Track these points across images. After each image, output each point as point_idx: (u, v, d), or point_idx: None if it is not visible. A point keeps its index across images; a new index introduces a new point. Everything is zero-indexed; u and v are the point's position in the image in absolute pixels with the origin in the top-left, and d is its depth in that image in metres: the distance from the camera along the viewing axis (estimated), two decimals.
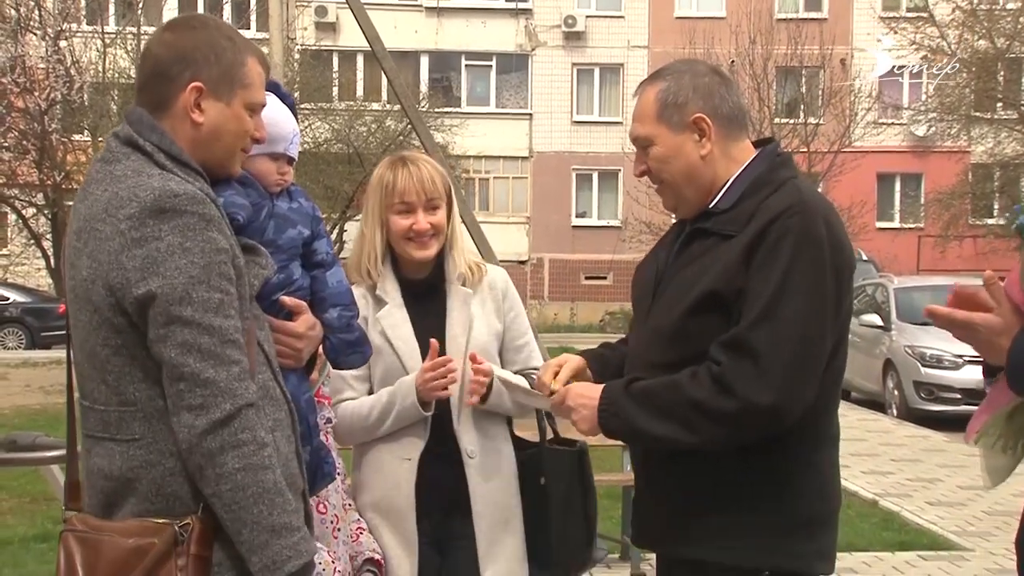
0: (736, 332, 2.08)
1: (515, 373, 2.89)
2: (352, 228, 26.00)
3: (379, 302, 2.85)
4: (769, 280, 2.08)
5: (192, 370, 1.82)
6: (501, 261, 3.50)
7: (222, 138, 2.02)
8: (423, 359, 2.78)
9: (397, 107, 20.26)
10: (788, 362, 2.05)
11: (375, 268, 2.86)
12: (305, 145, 23.79)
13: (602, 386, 2.27)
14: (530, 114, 29.43)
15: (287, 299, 2.32)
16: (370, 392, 2.85)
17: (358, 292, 2.82)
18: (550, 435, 2.96)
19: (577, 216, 29.70)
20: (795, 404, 2.06)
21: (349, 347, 2.49)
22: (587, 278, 28.78)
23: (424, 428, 2.78)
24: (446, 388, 2.73)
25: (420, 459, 2.76)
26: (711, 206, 2.25)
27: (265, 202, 2.36)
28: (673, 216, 2.44)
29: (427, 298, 2.86)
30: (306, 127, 23.85)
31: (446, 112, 25.99)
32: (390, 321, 2.81)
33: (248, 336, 1.94)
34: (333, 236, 24.18)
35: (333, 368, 2.63)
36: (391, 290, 2.85)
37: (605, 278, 28.69)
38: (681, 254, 2.28)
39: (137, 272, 1.84)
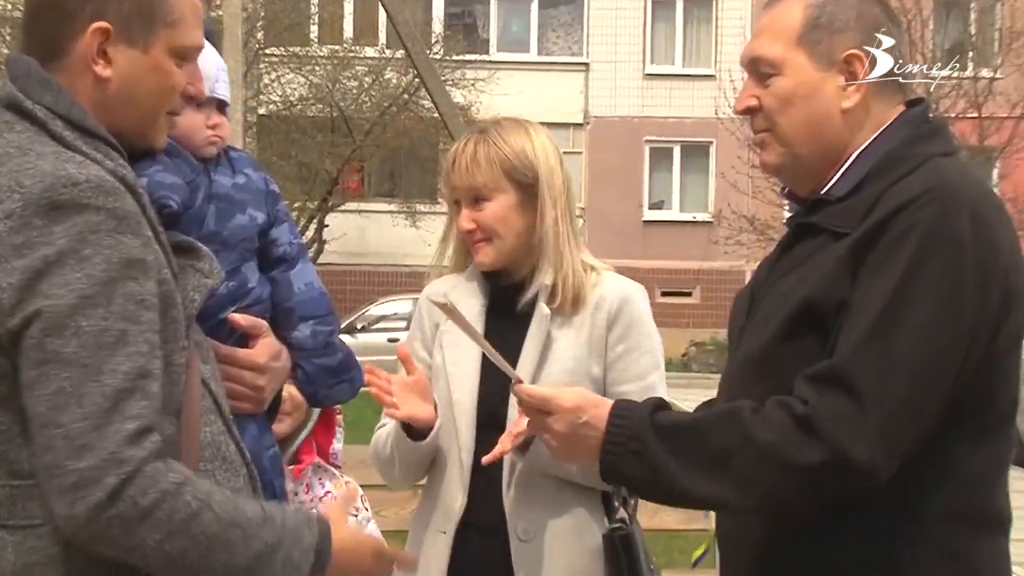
0: (832, 362, 2.09)
1: None
2: (336, 222, 26.18)
3: None
4: (881, 289, 2.07)
5: (66, 433, 1.79)
6: None
7: (137, 99, 2.01)
8: (480, 393, 2.87)
9: (400, 53, 20.31)
10: (896, 404, 2.05)
11: (453, 265, 3.04)
12: (271, 106, 24.01)
13: (610, 404, 2.26)
14: (586, 64, 29.24)
15: (240, 317, 2.32)
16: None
17: (443, 286, 2.97)
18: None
19: (651, 207, 29.25)
20: (893, 460, 2.06)
21: (331, 375, 2.49)
22: (665, 294, 28.46)
23: (461, 488, 2.86)
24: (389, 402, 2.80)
25: (459, 533, 2.84)
26: (824, 191, 2.26)
27: (200, 178, 2.35)
28: (787, 208, 2.42)
29: (518, 316, 2.94)
30: (273, 80, 24.04)
31: (468, 61, 26.02)
32: (454, 337, 2.89)
33: (188, 374, 1.95)
34: (310, 234, 24.37)
35: (311, 406, 2.62)
36: (469, 296, 2.98)
37: (690, 294, 28.45)
38: (782, 260, 2.30)
39: (15, 292, 1.82)
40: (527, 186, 2.92)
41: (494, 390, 2.86)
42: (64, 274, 1.81)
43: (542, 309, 2.92)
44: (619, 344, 2.89)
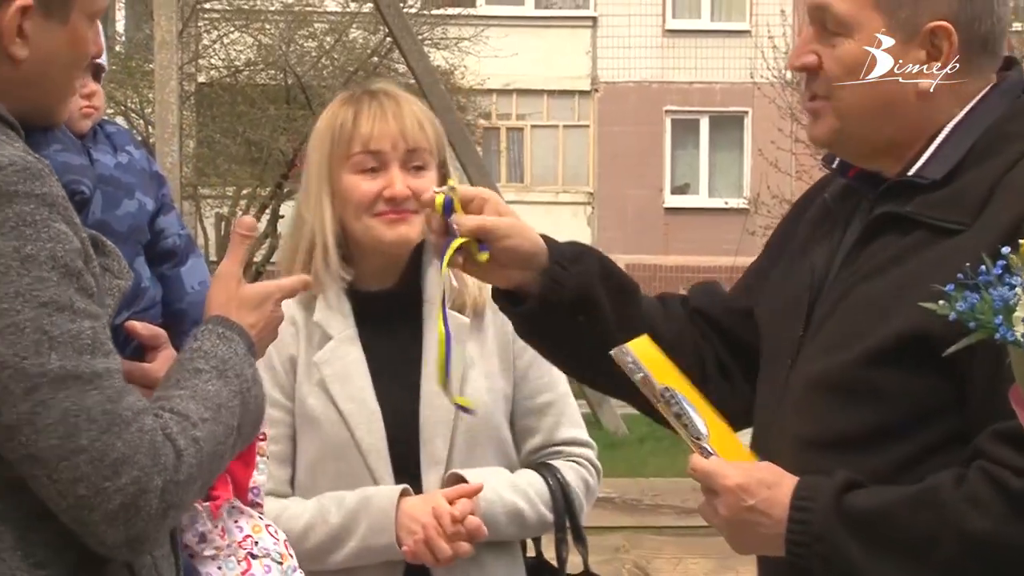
0: None
1: (535, 451, 3.00)
2: (292, 212, 26.01)
3: (316, 334, 2.94)
4: None
5: (95, 454, 1.85)
6: None
7: (51, 75, 2.06)
8: (386, 430, 2.89)
9: (368, 7, 20.30)
10: None
11: (327, 269, 2.91)
12: (213, 72, 23.91)
13: (788, 485, 2.16)
14: (594, 18, 29.29)
15: (138, 325, 2.37)
16: (292, 480, 2.96)
17: (294, 312, 2.94)
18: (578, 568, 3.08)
19: (674, 192, 29.33)
20: None
21: None
22: None
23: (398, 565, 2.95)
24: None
25: None
26: (912, 172, 2.25)
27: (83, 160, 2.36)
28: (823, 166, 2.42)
29: (390, 327, 2.97)
30: (215, 41, 23.94)
31: (451, 16, 25.57)
32: (337, 367, 2.92)
33: None
34: (263, 225, 24.30)
35: None
36: (338, 313, 2.96)
37: None
38: (859, 254, 2.29)
39: None
40: (442, 159, 2.98)
41: (400, 422, 2.89)
42: (14, 283, 1.85)
43: (458, 318, 2.88)
44: (526, 352, 2.89)
